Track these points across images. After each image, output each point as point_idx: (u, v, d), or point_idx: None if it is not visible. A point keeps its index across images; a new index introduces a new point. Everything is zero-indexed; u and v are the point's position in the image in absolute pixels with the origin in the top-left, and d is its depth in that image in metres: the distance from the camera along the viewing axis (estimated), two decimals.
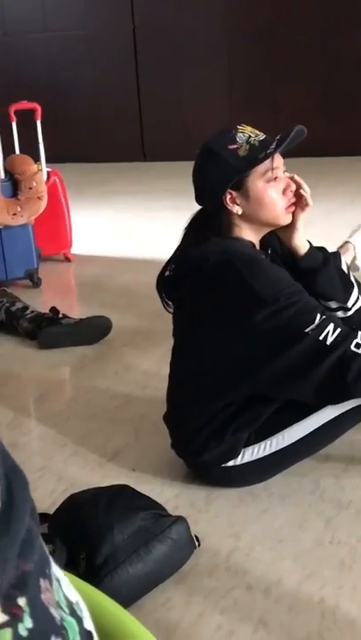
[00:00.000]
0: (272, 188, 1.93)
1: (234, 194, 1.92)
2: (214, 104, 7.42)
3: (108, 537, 1.68)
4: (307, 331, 1.79)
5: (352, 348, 1.78)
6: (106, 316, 3.26)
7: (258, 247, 2.01)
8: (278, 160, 1.93)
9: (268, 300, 1.81)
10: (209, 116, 7.43)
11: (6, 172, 3.95)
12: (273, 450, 2.00)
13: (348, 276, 2.11)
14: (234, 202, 1.93)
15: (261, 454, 2.00)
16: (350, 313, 2.08)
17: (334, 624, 1.58)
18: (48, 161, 4.30)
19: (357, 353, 1.77)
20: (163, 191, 6.23)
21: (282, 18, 6.98)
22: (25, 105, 4.34)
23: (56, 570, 0.64)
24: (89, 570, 1.66)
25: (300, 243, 2.04)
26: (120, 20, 7.54)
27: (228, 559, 1.80)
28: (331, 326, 1.79)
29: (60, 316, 3.28)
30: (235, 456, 2.00)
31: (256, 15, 7.05)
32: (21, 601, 0.55)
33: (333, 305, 2.07)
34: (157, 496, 1.97)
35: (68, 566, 1.71)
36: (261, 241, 2.04)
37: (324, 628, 1.57)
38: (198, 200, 2.01)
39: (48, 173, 4.29)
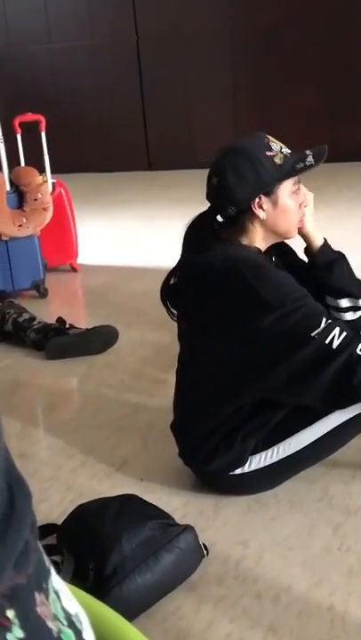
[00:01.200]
0: (294, 200, 1.98)
1: (263, 199, 1.94)
2: (219, 112, 7.44)
3: (116, 547, 1.68)
4: (313, 335, 1.79)
5: (358, 351, 1.79)
6: (112, 326, 3.28)
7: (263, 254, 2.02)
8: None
9: (275, 305, 1.82)
10: (214, 125, 7.45)
11: (12, 183, 3.97)
12: (280, 457, 2.00)
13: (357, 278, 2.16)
14: (260, 207, 1.94)
15: (269, 462, 2.00)
16: (360, 313, 2.10)
17: (343, 631, 1.58)
18: (53, 172, 4.32)
19: None
20: (168, 200, 6.25)
21: (285, 24, 6.99)
22: (29, 117, 4.37)
23: (56, 582, 0.64)
24: (98, 580, 1.66)
25: (312, 229, 2.09)
26: (123, 30, 7.57)
27: (237, 567, 1.80)
28: (336, 330, 1.80)
29: (67, 326, 3.30)
30: (242, 464, 2.00)
31: (259, 22, 7.07)
32: (10, 612, 0.56)
33: (344, 304, 2.08)
34: (165, 505, 1.97)
35: (77, 577, 1.72)
36: (267, 249, 2.05)
37: (334, 636, 1.57)
38: (221, 199, 1.95)
39: (53, 184, 4.31)
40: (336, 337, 1.79)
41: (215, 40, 7.31)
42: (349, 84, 6.90)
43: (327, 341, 1.79)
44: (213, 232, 1.98)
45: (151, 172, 7.62)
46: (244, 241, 1.97)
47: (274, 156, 1.92)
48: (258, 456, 2.00)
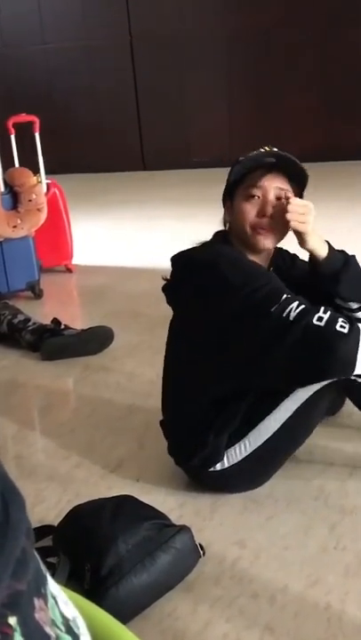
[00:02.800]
0: (249, 204, 1.95)
1: (228, 202, 1.99)
2: (214, 112, 7.44)
3: (112, 548, 1.68)
4: (272, 310, 1.78)
5: (314, 321, 1.74)
6: (108, 326, 3.27)
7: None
8: (268, 182, 1.94)
9: (237, 286, 1.82)
10: (208, 125, 7.46)
11: (6, 184, 3.97)
12: (253, 448, 1.99)
13: None
14: (228, 210, 2.00)
15: (244, 454, 2.00)
16: None
17: (340, 630, 1.58)
18: (47, 172, 4.32)
19: (319, 326, 1.73)
20: (163, 200, 6.25)
21: (283, 24, 6.99)
22: (23, 118, 4.36)
23: (53, 587, 0.64)
24: (94, 581, 1.66)
25: (314, 246, 1.97)
26: (117, 30, 7.57)
27: (234, 567, 1.80)
28: (295, 304, 1.77)
29: (63, 327, 3.29)
30: (219, 459, 2.01)
31: (255, 22, 7.07)
32: (12, 620, 0.55)
33: (355, 305, 2.06)
34: (161, 505, 1.97)
35: (74, 578, 1.71)
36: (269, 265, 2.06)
37: (331, 635, 1.57)
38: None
39: (48, 185, 4.31)
40: (293, 309, 1.76)
41: (211, 40, 7.31)
42: (348, 84, 6.90)
43: (285, 314, 1.76)
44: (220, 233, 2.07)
45: (146, 172, 7.61)
46: (234, 246, 2.00)
47: (243, 160, 1.96)
48: (232, 450, 2.01)
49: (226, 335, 1.89)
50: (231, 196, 1.99)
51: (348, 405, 2.18)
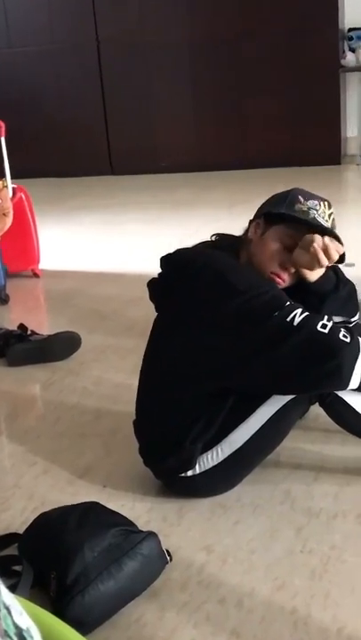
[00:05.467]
0: (280, 249, 1.98)
1: (261, 224, 2.03)
2: (181, 116, 7.45)
3: (78, 555, 1.67)
4: (275, 314, 1.81)
5: (318, 328, 1.79)
6: (75, 332, 3.25)
7: None
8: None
9: (241, 289, 1.86)
10: (176, 129, 7.47)
11: None
12: (225, 456, 2.00)
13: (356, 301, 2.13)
14: (256, 228, 2.04)
15: (215, 462, 2.00)
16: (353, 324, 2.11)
17: (307, 634, 1.58)
18: (14, 177, 4.28)
19: (324, 332, 1.78)
20: (131, 204, 6.24)
21: (247, 30, 7.03)
22: None
23: (6, 597, 0.64)
24: (60, 589, 1.65)
25: (317, 275, 2.03)
26: (84, 35, 7.54)
27: (201, 572, 1.80)
28: (298, 310, 1.82)
29: (29, 332, 3.27)
30: (192, 466, 2.01)
31: (220, 28, 7.09)
32: None
33: (337, 319, 2.06)
34: (129, 511, 1.97)
35: (39, 586, 1.70)
36: None
37: (297, 638, 1.57)
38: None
39: (14, 190, 4.27)
40: (298, 315, 1.81)
41: (175, 47, 7.31)
42: (312, 90, 6.95)
43: (288, 318, 1.80)
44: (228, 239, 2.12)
45: (113, 176, 7.60)
46: (240, 259, 2.04)
47: (301, 203, 1.99)
48: (204, 456, 2.01)
49: (219, 335, 1.89)
50: (266, 225, 2.01)
51: (315, 409, 2.19)
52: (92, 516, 1.79)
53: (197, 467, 2.01)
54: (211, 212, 5.44)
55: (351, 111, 7.26)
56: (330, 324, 1.80)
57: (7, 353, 3.17)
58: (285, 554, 1.84)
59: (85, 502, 1.90)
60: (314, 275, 2.00)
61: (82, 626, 1.50)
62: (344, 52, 6.98)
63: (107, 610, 1.66)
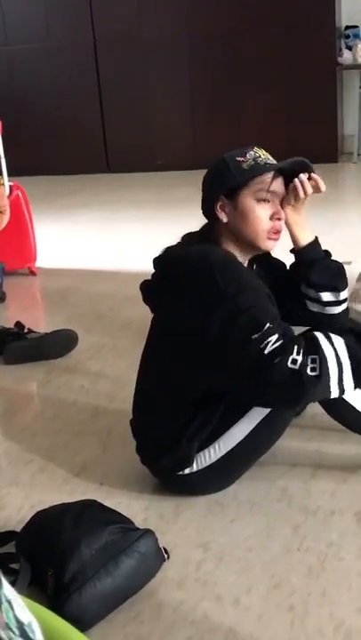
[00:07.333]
0: (261, 208, 1.97)
1: (225, 202, 1.98)
2: (178, 114, 7.44)
3: (75, 553, 1.67)
4: (253, 337, 1.79)
5: (288, 364, 1.75)
6: (72, 330, 3.25)
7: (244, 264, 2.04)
8: (277, 187, 1.99)
9: (228, 296, 1.83)
10: (172, 127, 7.46)
11: None
12: (221, 454, 2.00)
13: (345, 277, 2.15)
14: (223, 209, 1.98)
15: (212, 460, 2.01)
16: (341, 309, 2.12)
17: (303, 632, 1.58)
18: (10, 174, 4.28)
19: (293, 369, 1.75)
20: (127, 202, 6.24)
21: (244, 29, 7.02)
22: None
23: (8, 592, 0.64)
24: (57, 587, 1.65)
25: (301, 233, 2.10)
26: (81, 32, 7.53)
27: (198, 570, 1.80)
28: (274, 337, 1.78)
29: (26, 330, 3.27)
30: (189, 464, 2.01)
31: (217, 26, 7.08)
32: None
33: (326, 297, 2.09)
34: (126, 509, 1.97)
35: (37, 584, 1.70)
36: (249, 263, 2.07)
37: (294, 637, 1.57)
38: (201, 207, 2.06)
39: (10, 187, 4.27)
40: (271, 343, 1.77)
41: (173, 44, 7.31)
42: (308, 86, 6.95)
43: (262, 345, 1.77)
44: (199, 234, 2.07)
45: (110, 174, 7.59)
46: (222, 245, 2.00)
47: (243, 161, 1.95)
48: (201, 454, 2.01)
49: (205, 342, 1.87)
50: (230, 196, 1.97)
51: (312, 406, 2.20)
52: (88, 514, 1.79)
53: (194, 465, 2.02)
54: None
55: (348, 109, 7.26)
56: (300, 359, 1.76)
57: (4, 351, 3.17)
58: (282, 552, 1.84)
59: (82, 500, 1.90)
60: (302, 236, 2.09)
61: (79, 623, 1.50)
62: (341, 50, 6.98)
63: (104, 607, 1.66)
